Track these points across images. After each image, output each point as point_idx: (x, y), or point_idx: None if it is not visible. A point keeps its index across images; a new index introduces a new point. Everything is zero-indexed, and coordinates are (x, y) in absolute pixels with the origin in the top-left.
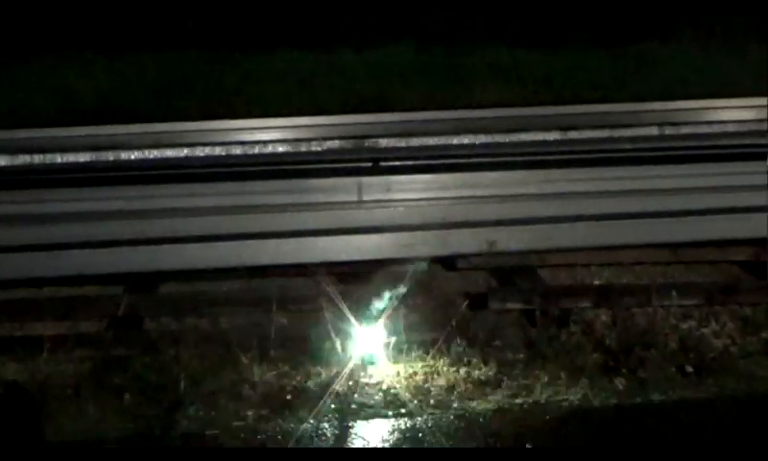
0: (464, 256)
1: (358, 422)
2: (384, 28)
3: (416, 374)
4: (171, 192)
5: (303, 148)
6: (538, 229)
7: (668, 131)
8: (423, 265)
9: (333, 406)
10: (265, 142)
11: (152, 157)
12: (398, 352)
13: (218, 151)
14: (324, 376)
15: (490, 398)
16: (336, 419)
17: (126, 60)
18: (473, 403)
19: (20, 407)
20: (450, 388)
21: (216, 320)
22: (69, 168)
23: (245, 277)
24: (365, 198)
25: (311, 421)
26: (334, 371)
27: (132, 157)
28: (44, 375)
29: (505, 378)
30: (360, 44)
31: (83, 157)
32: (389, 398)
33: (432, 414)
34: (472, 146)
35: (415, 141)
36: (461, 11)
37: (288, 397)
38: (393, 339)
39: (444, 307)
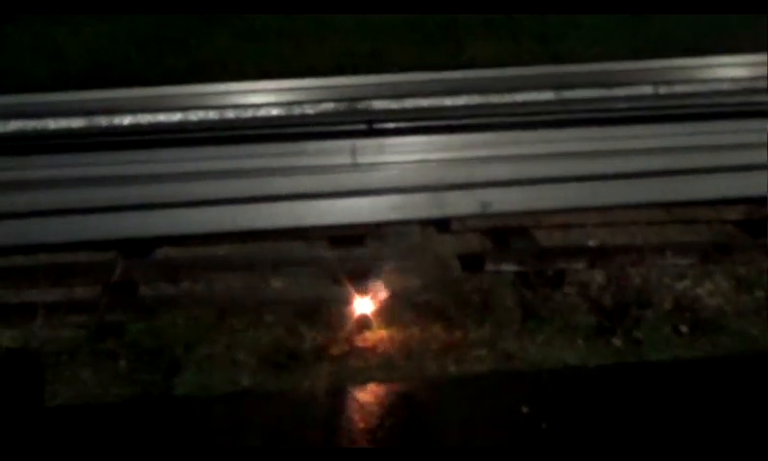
0: (458, 218)
1: (353, 386)
2: None
3: (411, 337)
4: (165, 157)
5: (297, 111)
6: (532, 189)
7: (663, 89)
8: (418, 227)
9: (328, 370)
10: (258, 105)
11: (145, 121)
12: (393, 316)
13: (211, 115)
14: (318, 339)
15: (485, 360)
16: (331, 383)
17: (117, 20)
18: (468, 366)
19: (23, 372)
20: (445, 351)
21: (211, 284)
22: (62, 133)
23: (239, 241)
24: (359, 160)
25: (306, 385)
26: (329, 334)
27: (126, 121)
28: (40, 341)
29: (500, 340)
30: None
31: (75, 123)
32: (384, 361)
33: (427, 377)
34: (466, 107)
35: (409, 103)
36: None
37: (283, 361)
38: (387, 302)
39: (439, 269)
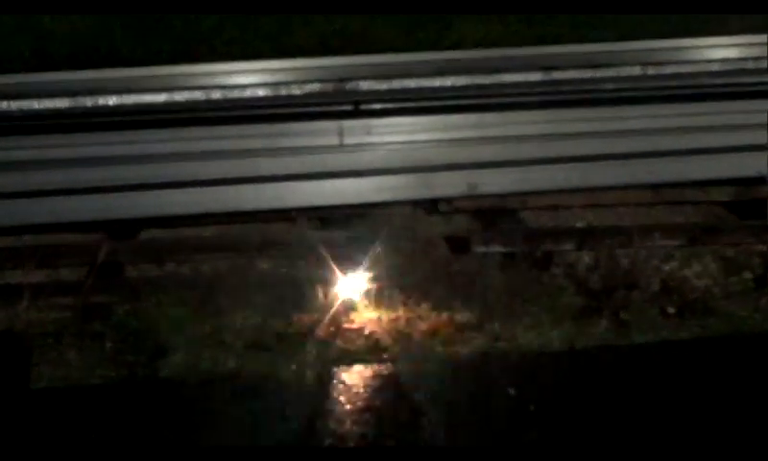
0: (446, 200)
1: (340, 367)
2: None
3: (398, 319)
4: (150, 137)
5: (283, 91)
6: (520, 171)
7: (651, 70)
8: (405, 209)
9: (315, 352)
10: (244, 86)
11: (130, 102)
12: (380, 297)
13: (197, 95)
14: (305, 321)
15: (472, 342)
16: (318, 365)
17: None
18: (456, 348)
19: (8, 354)
20: (433, 333)
21: (197, 266)
22: (47, 114)
23: (225, 222)
24: (346, 141)
25: (293, 367)
26: (315, 316)
27: (111, 102)
28: (25, 323)
29: (487, 322)
30: None
31: (60, 103)
32: (371, 343)
33: (414, 359)
34: (454, 87)
35: (396, 83)
36: None
37: (270, 342)
38: (374, 284)
39: (426, 251)
